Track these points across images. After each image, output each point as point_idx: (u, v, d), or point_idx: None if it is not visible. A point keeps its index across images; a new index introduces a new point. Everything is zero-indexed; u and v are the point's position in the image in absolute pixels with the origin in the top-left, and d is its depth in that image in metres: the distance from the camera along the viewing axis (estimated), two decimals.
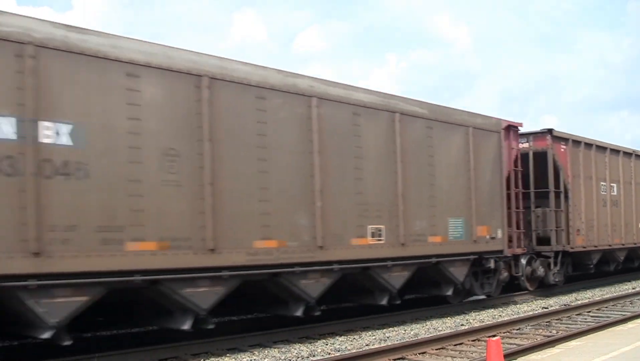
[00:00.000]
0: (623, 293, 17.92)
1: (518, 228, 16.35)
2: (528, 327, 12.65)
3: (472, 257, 14.60)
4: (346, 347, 10.79)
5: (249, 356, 10.05)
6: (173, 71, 9.60)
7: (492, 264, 15.26)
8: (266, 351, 10.38)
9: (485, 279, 15.59)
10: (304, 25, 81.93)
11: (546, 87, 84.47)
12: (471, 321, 13.60)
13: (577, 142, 18.28)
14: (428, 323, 13.27)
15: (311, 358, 9.96)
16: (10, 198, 7.97)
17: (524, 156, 17.26)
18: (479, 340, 11.32)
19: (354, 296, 13.23)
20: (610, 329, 12.03)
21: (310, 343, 11.16)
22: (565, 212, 17.59)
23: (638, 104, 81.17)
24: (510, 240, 15.96)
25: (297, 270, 11.01)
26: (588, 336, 11.39)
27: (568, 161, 17.76)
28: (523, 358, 9.54)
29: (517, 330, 12.36)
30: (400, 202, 12.86)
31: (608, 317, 13.73)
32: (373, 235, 12.34)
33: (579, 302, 16.12)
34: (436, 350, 10.58)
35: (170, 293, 9.52)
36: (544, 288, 17.78)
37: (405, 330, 12.39)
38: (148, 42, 9.56)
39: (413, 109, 13.46)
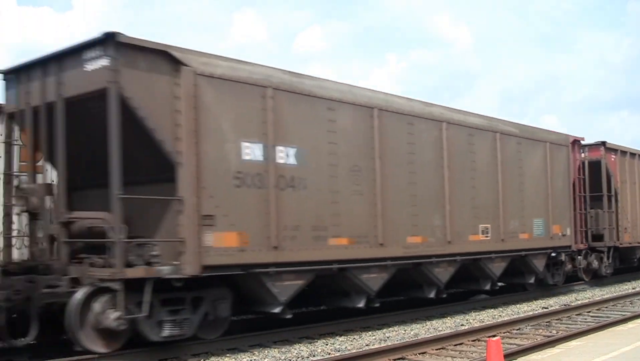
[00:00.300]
0: (623, 293, 17.64)
1: (580, 226, 18.62)
2: (528, 327, 12.30)
3: (549, 251, 16.90)
4: (346, 347, 10.52)
5: (249, 356, 9.78)
6: (355, 105, 11.78)
7: (563, 257, 17.57)
8: (266, 351, 10.11)
9: (555, 270, 17.85)
10: (304, 25, 79.10)
11: (546, 87, 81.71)
12: (471, 321, 13.28)
13: (624, 152, 20.59)
14: (428, 323, 12.97)
15: (311, 358, 9.74)
16: (259, 205, 10.14)
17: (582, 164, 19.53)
18: (479, 340, 10.97)
19: (463, 283, 15.44)
20: (610, 329, 11.70)
21: (310, 343, 10.88)
22: (615, 213, 19.89)
23: (638, 104, 78.91)
24: (574, 237, 18.24)
25: (434, 260, 13.21)
26: (588, 336, 11.07)
27: (617, 168, 20.04)
28: (523, 358, 9.30)
29: (517, 330, 12.03)
30: (500, 205, 15.08)
31: (608, 317, 13.42)
32: (482, 232, 14.55)
33: (579, 302, 15.79)
34: (436, 350, 10.26)
35: (353, 278, 11.69)
36: (596, 279, 20.06)
37: (405, 330, 12.09)
38: (340, 82, 11.77)
39: (508, 129, 15.68)
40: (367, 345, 10.65)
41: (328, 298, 12.55)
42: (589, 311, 14.38)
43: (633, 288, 19.00)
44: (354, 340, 11.14)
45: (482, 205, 14.57)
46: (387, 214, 12.12)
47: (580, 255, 18.88)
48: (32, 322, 9.07)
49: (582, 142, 18.87)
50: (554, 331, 11.86)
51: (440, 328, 12.35)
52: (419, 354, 9.96)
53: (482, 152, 14.71)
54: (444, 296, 13.95)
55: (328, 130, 11.26)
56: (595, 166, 19.73)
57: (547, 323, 12.75)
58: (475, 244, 14.29)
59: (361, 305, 11.99)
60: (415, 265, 13.00)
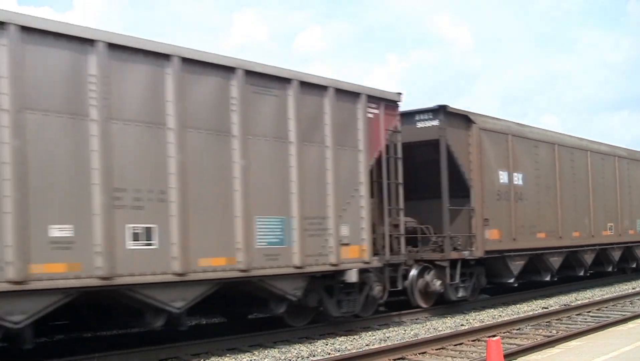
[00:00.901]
0: (623, 293, 17.48)
1: None
2: (528, 327, 12.08)
3: None
4: (346, 347, 10.32)
5: (249, 357, 9.63)
6: (546, 142, 16.82)
7: None
8: (266, 351, 9.95)
9: None
10: (304, 25, 76.12)
11: (546, 87, 79.03)
12: (471, 321, 13.09)
13: None
14: (428, 323, 12.81)
15: (311, 358, 9.58)
16: (506, 212, 15.15)
17: None
18: (479, 340, 10.79)
19: (594, 266, 20.56)
20: (610, 329, 11.46)
21: (310, 343, 10.72)
22: None
23: (638, 104, 77.38)
24: None
25: (584, 249, 18.41)
26: (588, 336, 10.83)
27: None
28: (523, 358, 9.11)
29: (517, 330, 11.82)
30: (618, 209, 20.25)
31: (608, 317, 13.15)
32: (609, 229, 19.73)
33: (579, 302, 15.63)
34: (436, 350, 10.05)
35: (545, 260, 16.67)
36: None
37: (405, 330, 11.91)
38: (538, 127, 16.82)
39: (621, 153, 20.83)
40: (367, 345, 10.47)
41: (525, 275, 17.61)
42: (589, 311, 14.13)
43: (633, 288, 18.93)
44: (354, 340, 10.96)
45: (608, 209, 19.69)
46: (563, 216, 17.21)
47: None
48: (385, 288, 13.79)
49: None
50: (554, 331, 11.63)
51: (440, 328, 12.16)
52: (419, 354, 9.78)
53: (607, 171, 19.82)
54: (588, 274, 19.12)
55: (535, 160, 16.31)
56: None
57: (547, 323, 12.54)
58: (605, 238, 19.42)
59: (547, 278, 17.14)
60: (573, 252, 18.16)
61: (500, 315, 13.87)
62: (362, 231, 11.55)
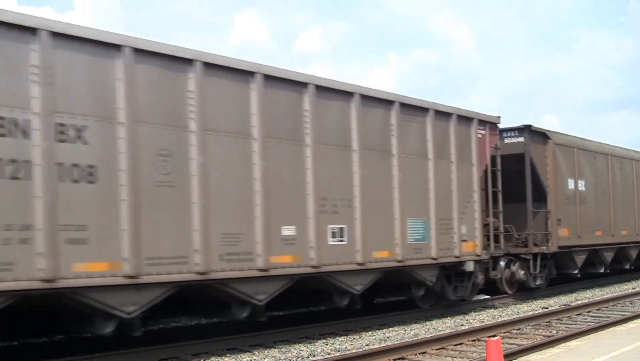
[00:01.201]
0: (623, 293, 17.43)
1: None
2: (528, 327, 11.99)
3: None
4: (346, 347, 10.27)
5: (249, 357, 9.58)
6: (602, 153, 19.23)
7: None
8: (266, 351, 9.90)
9: None
10: (304, 26, 76.42)
11: (546, 87, 78.85)
12: (471, 321, 13.03)
13: None
14: (428, 323, 12.75)
15: (311, 358, 9.53)
16: (573, 213, 17.69)
17: None
18: (479, 340, 10.72)
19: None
20: (610, 329, 11.37)
21: (310, 343, 10.67)
22: None
23: (638, 104, 77.75)
24: None
25: (630, 245, 20.91)
26: (588, 336, 10.74)
27: None
28: (523, 358, 9.05)
29: (517, 330, 11.74)
30: None
31: (608, 317, 13.06)
32: None
33: (579, 302, 15.55)
34: (436, 350, 10.00)
35: (600, 255, 19.18)
36: None
37: (405, 330, 11.88)
38: (597, 141, 19.33)
39: None
40: (367, 345, 10.44)
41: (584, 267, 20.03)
42: (589, 311, 14.06)
43: (633, 288, 18.89)
44: (354, 340, 10.93)
45: None
46: (615, 216, 19.64)
47: None
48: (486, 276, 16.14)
49: None
50: (554, 331, 11.56)
51: (440, 328, 12.14)
52: (419, 354, 9.74)
53: None
54: (632, 268, 21.63)
55: (594, 170, 18.73)
56: None
57: (547, 323, 12.47)
58: None
59: (602, 270, 19.64)
60: (621, 248, 20.68)
61: (500, 315, 13.99)
62: (475, 229, 13.98)
